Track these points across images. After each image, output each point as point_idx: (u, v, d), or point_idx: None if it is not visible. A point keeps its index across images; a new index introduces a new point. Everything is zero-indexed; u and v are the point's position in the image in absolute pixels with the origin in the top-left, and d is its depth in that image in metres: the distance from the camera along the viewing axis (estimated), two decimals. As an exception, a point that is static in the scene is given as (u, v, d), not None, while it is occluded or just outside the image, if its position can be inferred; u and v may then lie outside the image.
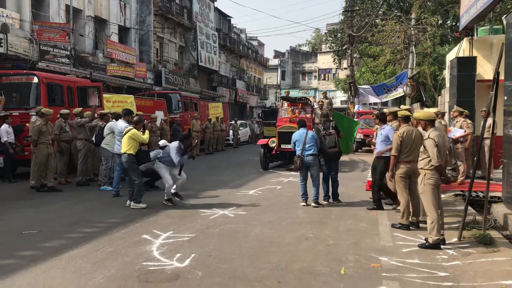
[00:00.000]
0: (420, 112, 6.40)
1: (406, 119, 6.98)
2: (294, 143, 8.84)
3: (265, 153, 14.48)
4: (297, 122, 9.66)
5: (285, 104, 15.60)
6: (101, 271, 4.99)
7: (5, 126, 11.29)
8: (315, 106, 15.65)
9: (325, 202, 8.87)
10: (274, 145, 14.24)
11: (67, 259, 5.41)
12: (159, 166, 8.86)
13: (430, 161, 5.88)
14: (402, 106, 10.00)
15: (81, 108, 11.79)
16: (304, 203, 8.70)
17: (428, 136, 5.90)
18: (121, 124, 9.40)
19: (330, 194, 8.99)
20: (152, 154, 9.93)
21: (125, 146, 8.50)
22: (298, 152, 8.71)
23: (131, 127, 8.63)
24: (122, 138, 8.73)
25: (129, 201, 8.51)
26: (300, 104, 15.03)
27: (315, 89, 59.48)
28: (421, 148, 6.07)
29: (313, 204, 8.64)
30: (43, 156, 10.09)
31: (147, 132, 9.16)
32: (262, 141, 15.10)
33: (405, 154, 6.82)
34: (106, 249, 5.84)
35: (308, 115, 14.63)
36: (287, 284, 4.64)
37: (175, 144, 8.86)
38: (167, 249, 5.85)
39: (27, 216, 7.85)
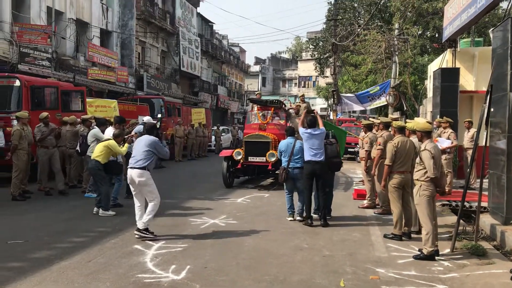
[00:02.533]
0: (416, 123, 6.44)
1: (401, 130, 7.02)
2: (281, 153, 8.33)
3: (228, 167, 12.13)
4: (285, 129, 9.05)
5: (255, 108, 13.44)
6: (95, 284, 4.84)
7: None
8: (291, 110, 13.35)
9: (316, 216, 8.15)
10: (239, 157, 11.89)
11: (58, 271, 5.24)
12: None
13: (426, 172, 5.92)
14: (391, 116, 10.11)
15: (46, 113, 10.69)
16: (291, 218, 8.17)
17: (425, 147, 5.94)
18: (110, 132, 9.05)
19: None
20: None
21: (96, 152, 8.31)
22: (284, 164, 8.18)
23: (111, 138, 8.42)
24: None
25: (96, 209, 8.35)
26: (273, 108, 12.79)
27: (295, 96, 59.68)
28: (417, 160, 6.10)
29: (298, 218, 8.10)
30: (22, 162, 9.78)
31: (126, 145, 8.48)
32: (225, 153, 12.49)
33: (399, 164, 6.85)
34: (98, 260, 5.68)
35: (282, 122, 12.60)
36: (288, 297, 4.58)
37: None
38: (161, 260, 5.72)
39: (11, 224, 7.58)
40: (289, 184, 8.25)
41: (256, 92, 16.44)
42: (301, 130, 8.06)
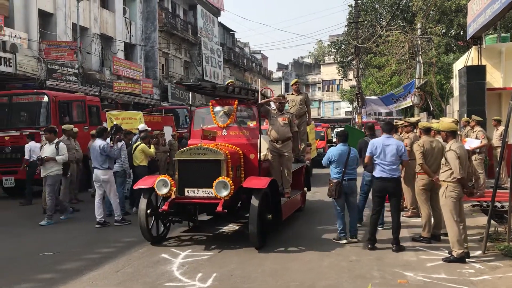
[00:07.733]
0: (441, 123, 6.33)
1: (427, 131, 6.90)
2: (329, 162, 6.91)
3: (152, 207, 7.04)
4: (337, 134, 6.78)
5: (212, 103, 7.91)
6: (124, 293, 4.92)
7: (31, 144, 10.75)
8: (273, 105, 8.18)
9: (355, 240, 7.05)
10: (165, 191, 6.73)
11: (88, 281, 5.34)
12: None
13: (452, 173, 5.79)
14: (412, 119, 9.93)
15: (71, 126, 10.77)
16: (345, 241, 6.86)
17: (450, 148, 5.83)
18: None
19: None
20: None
21: (140, 159, 9.58)
22: (335, 176, 6.87)
23: (140, 142, 9.76)
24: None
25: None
26: (236, 102, 7.59)
27: (319, 100, 59.51)
28: (443, 160, 5.99)
29: (354, 239, 6.95)
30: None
31: (152, 147, 10.22)
32: (143, 182, 7.15)
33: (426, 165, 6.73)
34: (126, 269, 5.77)
35: (253, 124, 7.83)
36: (315, 303, 4.54)
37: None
38: (188, 268, 5.76)
39: (43, 237, 7.79)
40: (341, 200, 6.94)
41: (228, 81, 9.03)
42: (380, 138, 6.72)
